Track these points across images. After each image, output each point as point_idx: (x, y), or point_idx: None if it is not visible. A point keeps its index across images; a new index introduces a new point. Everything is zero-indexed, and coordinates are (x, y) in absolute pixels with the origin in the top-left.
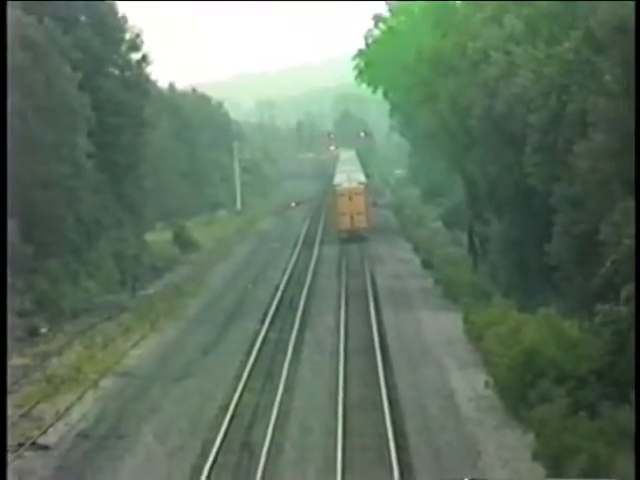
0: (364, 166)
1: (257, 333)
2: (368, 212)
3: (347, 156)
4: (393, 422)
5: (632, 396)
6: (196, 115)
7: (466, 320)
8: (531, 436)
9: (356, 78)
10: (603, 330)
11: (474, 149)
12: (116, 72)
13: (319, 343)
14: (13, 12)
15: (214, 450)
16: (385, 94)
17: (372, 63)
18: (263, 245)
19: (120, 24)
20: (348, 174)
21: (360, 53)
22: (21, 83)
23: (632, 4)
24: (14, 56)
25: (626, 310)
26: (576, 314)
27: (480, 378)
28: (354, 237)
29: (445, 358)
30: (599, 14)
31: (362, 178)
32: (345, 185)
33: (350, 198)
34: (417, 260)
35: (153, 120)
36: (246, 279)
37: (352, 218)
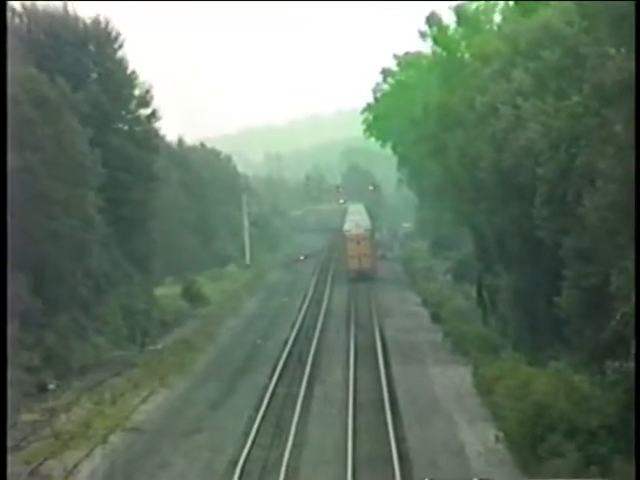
0: (372, 219)
1: (266, 388)
2: (373, 254)
3: (355, 208)
4: (403, 477)
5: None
6: (205, 169)
7: (475, 374)
8: None
9: (364, 132)
10: (614, 387)
11: (482, 202)
12: (125, 128)
13: (328, 397)
14: (26, 69)
15: None
16: (393, 148)
17: (380, 117)
18: (272, 299)
19: (130, 80)
20: (356, 222)
21: (369, 107)
22: (32, 138)
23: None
24: (26, 111)
25: (636, 366)
26: (586, 368)
27: (490, 432)
28: (361, 276)
29: (455, 412)
30: (607, 69)
31: (368, 225)
32: (353, 231)
33: (358, 242)
34: (426, 313)
35: (162, 175)
36: (255, 333)
37: (359, 259)
